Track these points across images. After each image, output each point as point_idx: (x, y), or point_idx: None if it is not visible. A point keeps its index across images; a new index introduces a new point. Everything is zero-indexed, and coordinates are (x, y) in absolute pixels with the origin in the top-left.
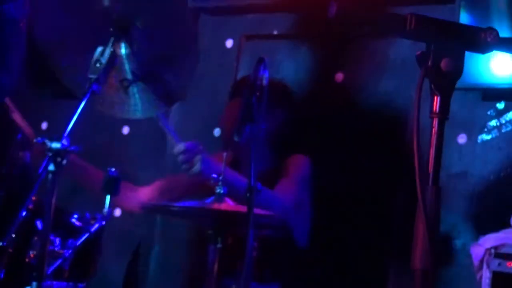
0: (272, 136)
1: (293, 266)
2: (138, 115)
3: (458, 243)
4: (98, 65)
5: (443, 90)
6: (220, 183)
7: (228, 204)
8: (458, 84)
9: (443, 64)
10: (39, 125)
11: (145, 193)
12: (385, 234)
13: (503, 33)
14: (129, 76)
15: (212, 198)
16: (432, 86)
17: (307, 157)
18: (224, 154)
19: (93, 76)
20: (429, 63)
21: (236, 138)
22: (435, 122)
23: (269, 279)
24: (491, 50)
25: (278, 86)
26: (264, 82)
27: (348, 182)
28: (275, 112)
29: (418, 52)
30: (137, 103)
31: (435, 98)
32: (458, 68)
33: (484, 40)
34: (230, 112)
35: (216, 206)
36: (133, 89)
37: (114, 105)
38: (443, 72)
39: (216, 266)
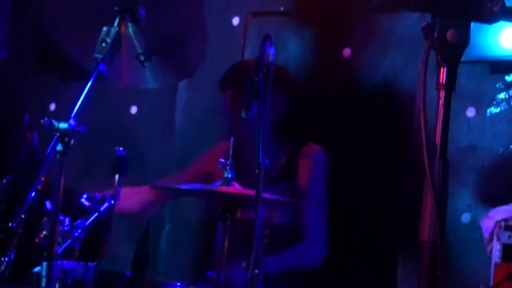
0: (276, 124)
1: None
2: (151, 85)
3: (468, 216)
4: (103, 44)
5: (449, 61)
6: (227, 167)
7: (236, 188)
8: (466, 57)
9: (449, 35)
10: (47, 106)
11: (146, 197)
12: (393, 214)
13: (510, 2)
14: (141, 50)
15: (220, 181)
16: (439, 57)
17: (321, 148)
18: (232, 138)
19: (99, 56)
20: (435, 34)
21: (243, 115)
22: (442, 93)
23: None
24: (498, 20)
25: (279, 72)
26: (271, 58)
27: (354, 158)
28: (276, 100)
29: (424, 24)
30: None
31: (442, 69)
32: (464, 38)
33: (490, 10)
34: (227, 103)
35: (224, 189)
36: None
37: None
38: (449, 43)
39: (226, 243)
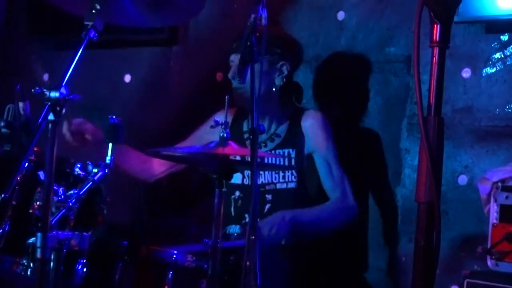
0: (279, 90)
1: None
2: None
3: (465, 178)
4: (93, 11)
5: (442, 18)
6: (222, 126)
7: (232, 148)
8: (461, 17)
9: None
10: (41, 76)
11: (158, 164)
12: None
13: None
14: None
15: (215, 142)
16: (432, 14)
17: (321, 113)
18: (226, 97)
19: (89, 23)
20: None
21: (237, 81)
22: (436, 51)
23: None
24: None
25: (285, 39)
26: (264, 22)
27: (352, 121)
28: (281, 67)
29: None
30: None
31: (435, 26)
32: None
33: None
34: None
35: (220, 150)
36: None
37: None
38: None
39: (222, 210)
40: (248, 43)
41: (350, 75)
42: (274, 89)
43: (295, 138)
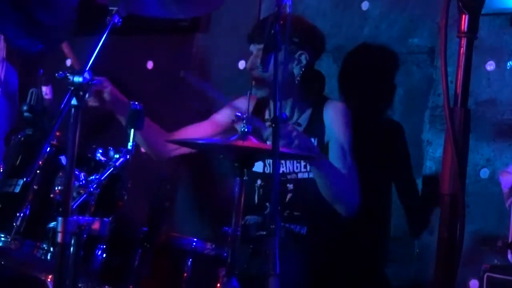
0: (301, 79)
1: (322, 212)
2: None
3: (487, 171)
4: None
5: (471, 8)
6: (244, 121)
7: (252, 142)
8: (486, 10)
9: None
10: (64, 62)
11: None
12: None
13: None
14: None
15: (237, 135)
16: (460, 4)
17: (343, 103)
18: (248, 92)
19: (113, 8)
20: None
21: (260, 69)
22: (463, 42)
23: (299, 221)
24: None
25: (305, 28)
26: (288, 10)
27: (374, 113)
28: (300, 56)
29: None
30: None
31: (463, 17)
32: None
33: None
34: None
35: (239, 143)
36: None
37: None
38: None
39: (242, 198)
40: (272, 31)
41: (373, 66)
42: (296, 80)
43: (317, 127)
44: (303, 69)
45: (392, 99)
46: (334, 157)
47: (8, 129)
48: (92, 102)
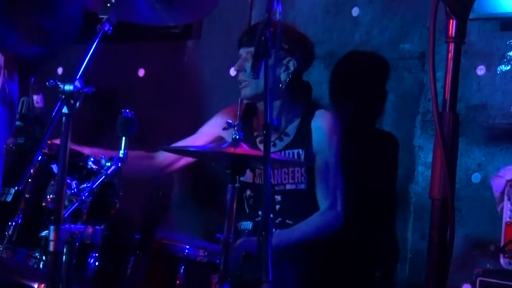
0: (290, 86)
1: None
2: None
3: (478, 176)
4: (108, 4)
5: (459, 13)
6: (235, 128)
7: (244, 149)
8: (476, 14)
9: None
10: (55, 70)
11: (164, 159)
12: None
13: None
14: None
15: (228, 142)
16: (448, 9)
17: (333, 112)
18: (239, 100)
19: (104, 16)
20: None
21: (251, 75)
22: (451, 47)
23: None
24: None
25: (294, 35)
26: (278, 16)
27: (365, 119)
28: (288, 62)
29: None
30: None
31: (451, 21)
32: None
33: None
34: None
35: (231, 150)
36: None
37: None
38: None
39: (234, 205)
40: (263, 38)
41: (365, 72)
42: (280, 85)
43: (304, 137)
44: (290, 76)
45: (383, 106)
46: (319, 180)
47: (8, 137)
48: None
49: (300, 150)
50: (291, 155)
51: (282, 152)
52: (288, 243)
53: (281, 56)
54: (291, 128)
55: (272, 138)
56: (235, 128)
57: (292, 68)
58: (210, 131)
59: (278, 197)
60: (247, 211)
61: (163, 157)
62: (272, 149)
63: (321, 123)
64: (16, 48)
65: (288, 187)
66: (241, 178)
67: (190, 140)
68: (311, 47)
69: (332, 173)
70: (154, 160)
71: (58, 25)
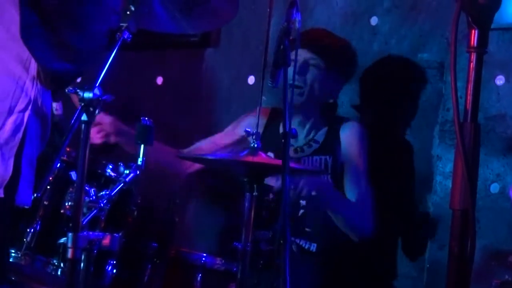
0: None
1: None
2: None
3: (497, 186)
4: (128, 12)
5: (480, 23)
6: (254, 136)
7: (261, 158)
8: (496, 24)
9: None
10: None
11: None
12: None
13: None
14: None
15: (247, 151)
16: (469, 19)
17: (361, 124)
18: (258, 108)
19: (123, 24)
20: None
21: (269, 84)
22: (473, 57)
23: (309, 237)
24: None
25: (346, 49)
26: (297, 25)
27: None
28: (337, 79)
29: None
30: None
31: (473, 32)
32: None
33: None
34: None
35: (249, 159)
36: None
37: None
38: (480, 4)
39: (252, 214)
40: (281, 47)
41: (386, 81)
42: (331, 100)
43: (332, 145)
44: (330, 93)
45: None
46: (349, 181)
47: (41, 150)
48: (95, 139)
49: (328, 157)
50: (318, 161)
51: (310, 157)
52: (332, 205)
53: (320, 69)
54: (320, 135)
55: (300, 144)
56: (254, 137)
57: (337, 87)
58: (238, 131)
59: (303, 202)
60: (267, 217)
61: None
62: (300, 155)
63: (350, 133)
64: (46, 63)
65: (313, 192)
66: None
67: (217, 137)
68: (353, 57)
69: (363, 181)
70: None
71: (87, 43)
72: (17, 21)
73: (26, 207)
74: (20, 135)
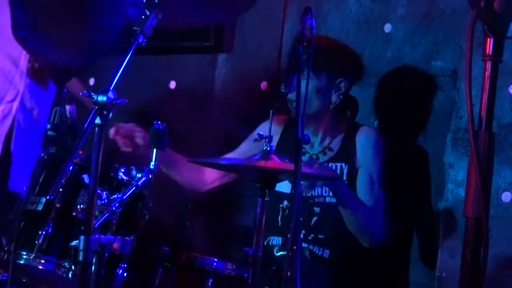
0: (338, 104)
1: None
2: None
3: (509, 195)
4: (143, 16)
5: (496, 31)
6: (266, 140)
7: (275, 162)
8: (510, 32)
9: (496, 4)
10: (87, 81)
11: (210, 174)
12: None
13: None
14: None
15: (259, 155)
16: (485, 27)
17: (377, 130)
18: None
19: (138, 28)
20: (482, 4)
21: (282, 90)
22: (488, 65)
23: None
24: None
25: (349, 56)
26: (311, 31)
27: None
28: (339, 83)
29: None
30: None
31: (488, 40)
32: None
33: None
34: None
35: (262, 163)
36: None
37: None
38: (496, 12)
39: (263, 220)
40: (295, 53)
41: (401, 89)
42: (331, 107)
43: (348, 152)
44: (341, 97)
45: (425, 123)
46: (362, 185)
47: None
48: (124, 147)
49: (343, 164)
50: (333, 169)
51: (326, 163)
52: (347, 203)
53: (333, 77)
54: (335, 143)
55: (315, 152)
56: (266, 140)
57: (343, 89)
58: (250, 150)
59: (317, 209)
60: (280, 223)
61: (209, 172)
62: None
63: (366, 139)
64: (53, 57)
65: (328, 200)
66: (279, 189)
67: (231, 156)
68: (362, 66)
69: (377, 185)
70: (201, 174)
71: (95, 36)
72: (8, 20)
73: (19, 192)
74: (9, 122)
